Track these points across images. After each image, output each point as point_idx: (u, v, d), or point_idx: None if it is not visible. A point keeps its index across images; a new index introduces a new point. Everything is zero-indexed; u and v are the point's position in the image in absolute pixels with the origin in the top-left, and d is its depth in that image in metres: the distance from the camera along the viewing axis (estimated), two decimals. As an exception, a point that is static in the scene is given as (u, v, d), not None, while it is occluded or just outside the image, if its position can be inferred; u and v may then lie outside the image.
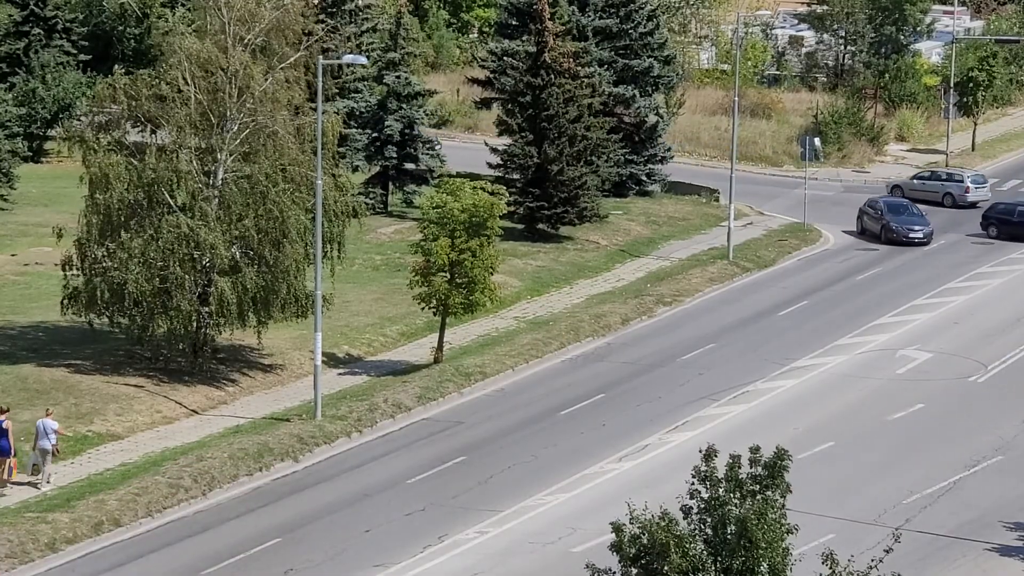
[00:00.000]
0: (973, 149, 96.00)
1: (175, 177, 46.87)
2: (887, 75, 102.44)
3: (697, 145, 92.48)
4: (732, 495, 23.04)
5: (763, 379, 50.60)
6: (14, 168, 71.08)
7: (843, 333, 56.01)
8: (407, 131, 72.05)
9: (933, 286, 63.16)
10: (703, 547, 22.90)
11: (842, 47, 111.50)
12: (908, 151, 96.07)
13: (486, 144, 73.32)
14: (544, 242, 67.96)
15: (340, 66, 68.98)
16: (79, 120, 58.49)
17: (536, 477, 41.70)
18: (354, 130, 71.39)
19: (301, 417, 45.35)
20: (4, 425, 39.34)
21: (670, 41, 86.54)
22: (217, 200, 46.77)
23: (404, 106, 71.99)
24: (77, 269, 47.24)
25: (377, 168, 73.09)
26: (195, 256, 46.24)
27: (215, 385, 47.72)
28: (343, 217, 48.89)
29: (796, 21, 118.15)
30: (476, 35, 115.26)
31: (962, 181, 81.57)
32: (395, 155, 72.03)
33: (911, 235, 71.50)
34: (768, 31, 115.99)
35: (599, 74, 75.10)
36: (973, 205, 79.96)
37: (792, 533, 23.14)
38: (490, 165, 70.81)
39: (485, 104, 79.91)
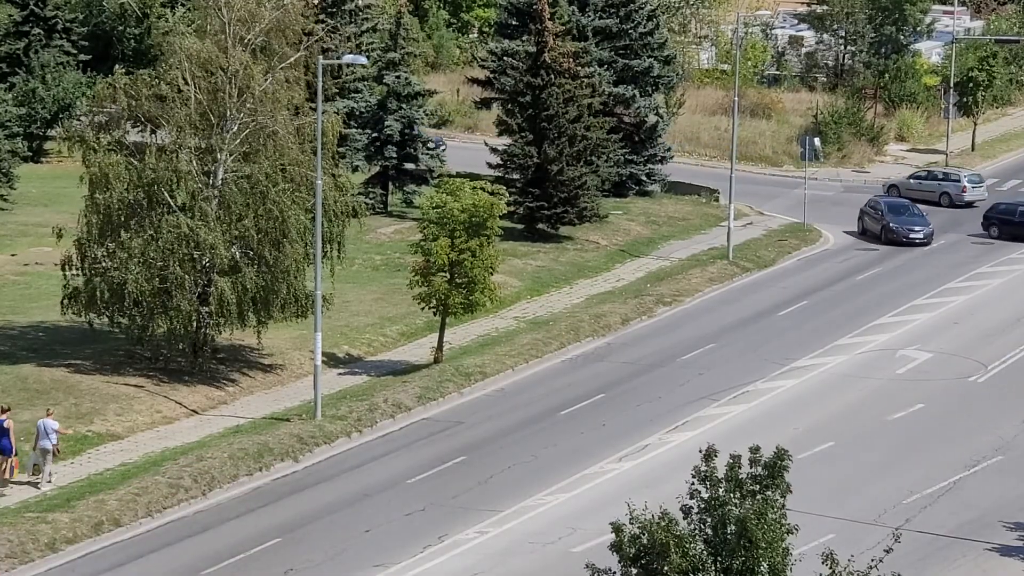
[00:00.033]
0: (973, 149, 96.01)
1: (175, 177, 46.88)
2: (887, 75, 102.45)
3: (697, 145, 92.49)
4: (732, 495, 23.04)
5: (763, 379, 50.61)
6: (14, 168, 71.09)
7: (843, 333, 56.01)
8: (407, 131, 72.06)
9: (933, 286, 63.17)
10: (703, 547, 22.90)
11: (842, 47, 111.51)
12: (908, 151, 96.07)
13: (486, 144, 73.34)
14: (544, 242, 67.97)
15: (340, 66, 69.00)
16: (79, 120, 58.46)
17: (536, 477, 41.70)
18: (354, 130, 71.40)
19: (301, 417, 45.35)
20: (5, 424, 39.37)
21: (670, 41, 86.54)
22: (217, 200, 46.77)
23: (404, 106, 71.99)
24: (77, 269, 47.24)
25: (377, 168, 73.10)
26: (195, 256, 46.24)
27: (215, 385, 47.72)
28: (343, 217, 48.90)
29: (796, 21, 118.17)
30: (476, 35, 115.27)
31: (959, 181, 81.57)
32: (395, 155, 72.04)
33: (911, 235, 71.47)
34: (768, 31, 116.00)
35: (599, 74, 75.10)
36: (970, 205, 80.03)
37: (792, 533, 23.14)
38: (490, 165, 70.82)
39: (485, 104, 79.92)
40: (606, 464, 42.85)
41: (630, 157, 77.51)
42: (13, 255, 61.13)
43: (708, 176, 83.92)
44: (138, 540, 37.32)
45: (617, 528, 23.42)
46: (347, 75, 73.33)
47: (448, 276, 49.94)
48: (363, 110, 73.49)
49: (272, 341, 50.44)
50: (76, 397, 44.71)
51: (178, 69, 46.87)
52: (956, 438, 45.20)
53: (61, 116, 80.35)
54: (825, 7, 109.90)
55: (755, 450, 23.40)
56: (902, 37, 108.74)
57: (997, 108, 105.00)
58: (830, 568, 22.76)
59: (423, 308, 51.47)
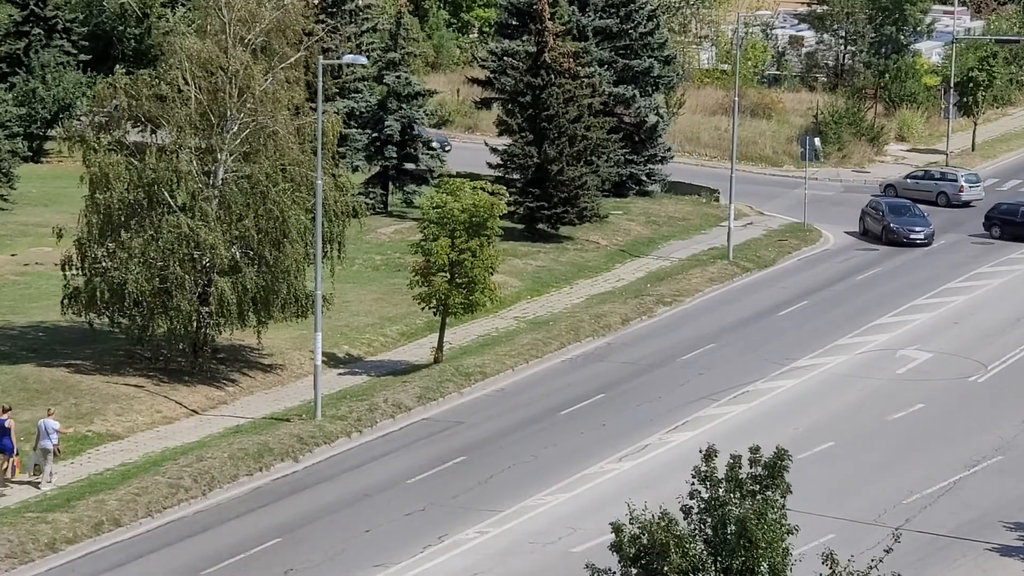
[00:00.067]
0: (973, 149, 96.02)
1: (175, 177, 46.88)
2: (887, 75, 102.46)
3: (697, 145, 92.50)
4: (732, 495, 23.04)
5: (763, 379, 50.61)
6: (14, 168, 71.09)
7: (843, 333, 56.01)
8: (408, 131, 72.05)
9: (933, 286, 63.17)
10: (703, 547, 22.89)
11: (842, 47, 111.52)
12: (908, 151, 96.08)
13: (486, 144, 73.34)
14: (544, 242, 67.97)
15: (340, 66, 69.02)
16: (79, 120, 58.46)
17: (536, 477, 41.70)
18: (354, 130, 71.40)
19: (301, 417, 45.35)
20: (7, 424, 39.39)
21: (670, 41, 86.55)
22: (217, 200, 46.76)
23: (404, 106, 71.99)
24: (77, 269, 47.25)
25: (377, 168, 73.10)
26: (195, 256, 46.24)
27: (215, 385, 47.72)
28: (343, 217, 48.90)
29: (796, 21, 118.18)
30: (476, 35, 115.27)
31: (956, 180, 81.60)
32: (395, 155, 72.04)
33: (912, 236, 71.44)
34: (768, 31, 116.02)
35: (599, 74, 75.10)
36: (967, 204, 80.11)
37: (792, 533, 23.13)
38: (490, 165, 70.83)
39: (485, 104, 79.92)
40: (606, 464, 42.85)
41: (630, 157, 77.51)
42: (13, 255, 61.13)
43: (708, 176, 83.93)
44: (138, 540, 37.32)
45: (617, 528, 23.42)
46: (347, 75, 73.34)
47: (448, 276, 49.95)
48: (363, 110, 73.50)
49: (272, 341, 50.44)
50: (76, 397, 44.71)
51: (178, 69, 46.87)
52: (956, 438, 45.20)
53: (61, 116, 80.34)
54: (825, 7, 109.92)
55: (755, 450, 23.39)
56: (902, 37, 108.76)
57: (997, 108, 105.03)
58: (830, 568, 22.76)
59: (423, 308, 51.48)
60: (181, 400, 46.16)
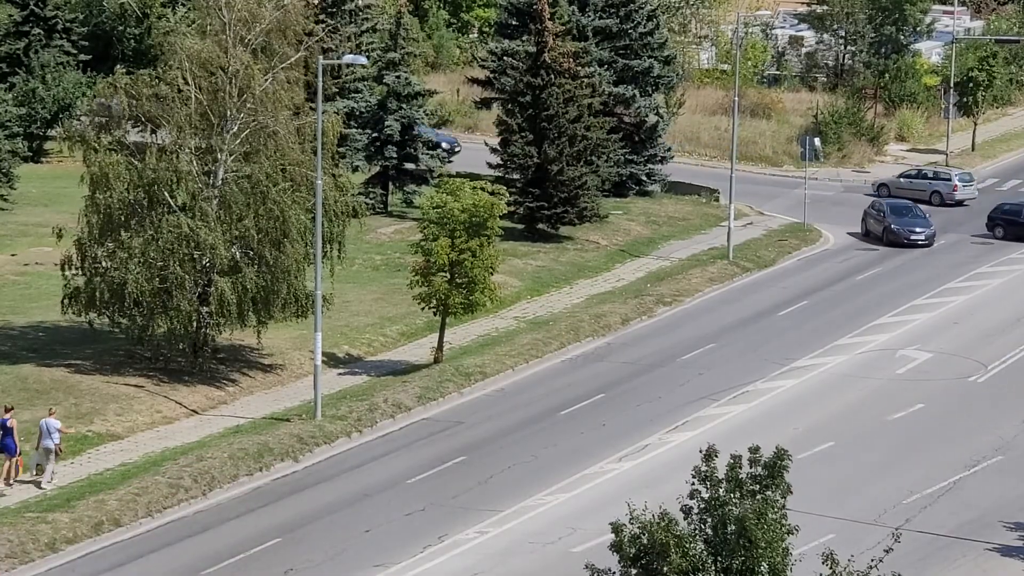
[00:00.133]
0: (973, 149, 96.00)
1: (175, 177, 46.89)
2: (887, 75, 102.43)
3: (697, 145, 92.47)
4: (732, 495, 23.04)
5: (763, 379, 50.61)
6: (14, 168, 71.08)
7: (843, 333, 56.02)
8: (408, 131, 72.03)
9: (933, 286, 63.18)
10: (703, 547, 22.90)
11: (842, 47, 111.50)
12: (908, 151, 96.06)
13: (486, 144, 73.35)
14: (544, 242, 67.97)
15: (340, 66, 68.99)
16: (79, 120, 58.45)
17: (536, 477, 41.70)
18: (354, 130, 71.39)
19: (301, 417, 45.36)
20: (9, 424, 39.43)
21: (670, 41, 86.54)
22: (217, 200, 46.77)
23: (404, 106, 71.98)
24: (77, 269, 47.26)
25: (377, 168, 73.09)
26: (195, 256, 46.25)
27: (215, 385, 47.73)
28: (343, 217, 48.91)
29: (796, 21, 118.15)
30: (476, 35, 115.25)
31: (950, 180, 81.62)
32: (395, 155, 72.04)
33: (912, 237, 71.39)
34: (768, 31, 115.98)
35: (599, 74, 75.10)
36: (960, 204, 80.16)
37: (792, 533, 23.14)
38: (490, 165, 70.84)
39: (485, 104, 79.93)
40: (606, 464, 42.85)
41: (630, 157, 77.50)
42: (13, 255, 61.12)
43: (708, 176, 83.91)
44: (138, 540, 37.33)
45: (617, 528, 23.42)
46: (347, 75, 73.33)
47: (448, 276, 49.95)
48: (363, 110, 73.49)
49: (272, 341, 50.44)
50: (76, 397, 44.72)
51: (178, 69, 46.87)
52: (956, 438, 45.20)
53: (61, 116, 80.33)
54: (825, 7, 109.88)
55: (755, 450, 23.40)
56: (902, 37, 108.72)
57: (997, 108, 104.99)
58: (830, 568, 22.77)
59: (423, 308, 51.48)
60: (181, 400, 46.16)
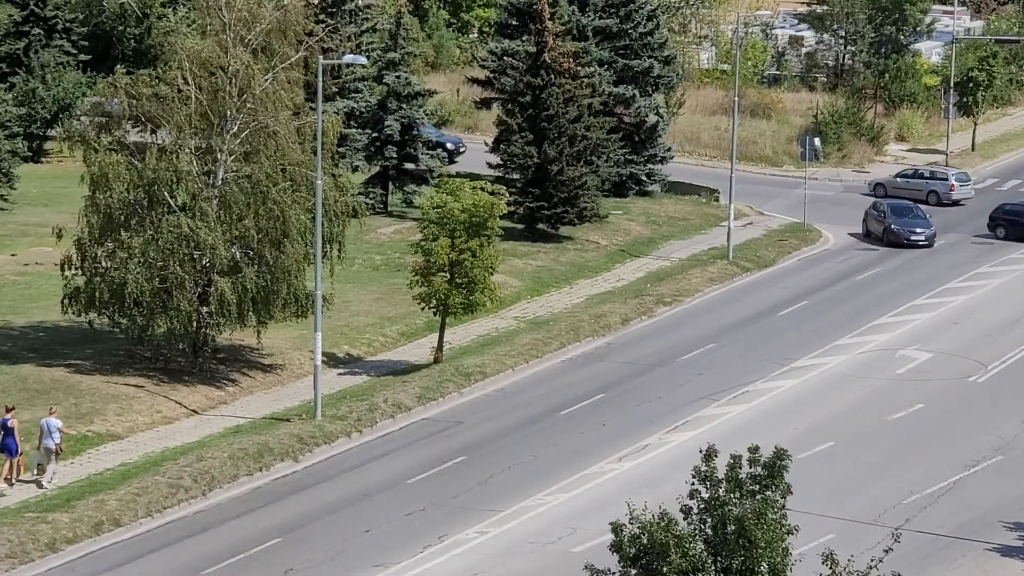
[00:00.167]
0: (973, 149, 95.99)
1: (175, 177, 46.90)
2: (887, 75, 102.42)
3: (697, 145, 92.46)
4: (732, 495, 23.04)
5: (763, 379, 50.61)
6: (14, 168, 71.08)
7: (843, 333, 56.02)
8: (408, 131, 72.02)
9: (933, 286, 63.17)
10: (703, 547, 22.90)
11: (842, 47, 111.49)
12: (908, 151, 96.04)
13: (486, 144, 73.33)
14: (544, 242, 67.97)
15: (340, 66, 68.97)
16: (79, 120, 58.44)
17: (536, 477, 41.70)
18: (354, 130, 71.39)
19: (301, 417, 45.36)
20: (11, 424, 39.45)
21: (670, 41, 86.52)
22: (217, 200, 46.77)
23: (404, 106, 71.97)
24: (77, 269, 47.27)
25: (377, 168, 73.10)
26: (195, 256, 46.25)
27: (215, 385, 47.73)
28: (343, 217, 48.92)
29: (796, 21, 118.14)
30: (476, 35, 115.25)
31: (947, 179, 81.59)
32: (395, 155, 72.04)
33: (912, 237, 71.34)
34: (768, 31, 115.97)
35: (599, 74, 75.10)
36: (957, 203, 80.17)
37: (792, 533, 23.14)
38: (490, 165, 70.83)
39: (485, 104, 79.91)
40: (606, 464, 42.85)
41: (630, 157, 77.49)
42: (13, 255, 61.12)
43: (708, 176, 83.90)
44: (138, 540, 37.33)
45: (617, 528, 23.42)
46: (347, 75, 73.33)
47: (448, 276, 49.95)
48: (363, 110, 73.49)
49: (272, 341, 50.44)
50: (76, 397, 44.72)
51: (178, 69, 46.87)
52: (956, 438, 45.20)
53: (61, 116, 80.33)
54: (825, 7, 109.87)
55: (755, 450, 23.40)
56: (902, 37, 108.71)
57: (997, 108, 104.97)
58: (830, 568, 22.77)
59: (423, 308, 51.48)
60: (181, 400, 46.17)
